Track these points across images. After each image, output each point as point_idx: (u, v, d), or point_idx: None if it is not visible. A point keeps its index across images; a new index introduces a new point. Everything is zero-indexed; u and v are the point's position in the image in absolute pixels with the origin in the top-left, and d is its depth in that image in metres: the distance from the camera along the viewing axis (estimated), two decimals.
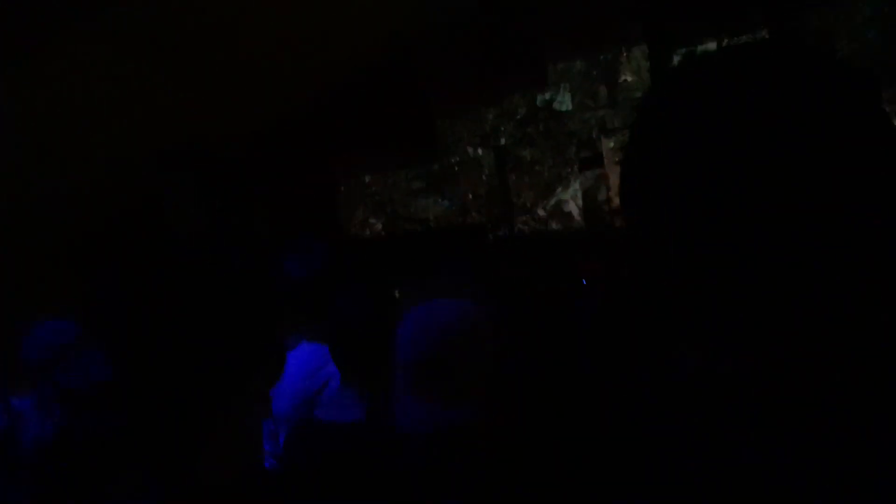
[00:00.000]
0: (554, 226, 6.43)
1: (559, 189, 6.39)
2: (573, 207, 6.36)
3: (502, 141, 6.54)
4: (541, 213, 6.43)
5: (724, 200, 0.69)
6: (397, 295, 5.64)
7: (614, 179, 6.15)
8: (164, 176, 5.16)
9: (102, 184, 5.01)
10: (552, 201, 6.41)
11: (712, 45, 5.85)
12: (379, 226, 6.65)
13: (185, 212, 5.21)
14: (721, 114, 0.71)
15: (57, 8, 4.46)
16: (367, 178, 6.52)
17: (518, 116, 6.49)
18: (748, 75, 0.73)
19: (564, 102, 6.39)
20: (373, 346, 2.56)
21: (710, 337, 0.75)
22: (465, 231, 6.43)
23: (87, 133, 4.82)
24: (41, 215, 4.77)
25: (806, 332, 0.71)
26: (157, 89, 4.91)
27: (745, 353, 0.74)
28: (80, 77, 4.67)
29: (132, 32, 4.60)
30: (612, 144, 6.25)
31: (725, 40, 5.81)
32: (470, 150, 6.59)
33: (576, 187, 6.38)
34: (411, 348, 2.02)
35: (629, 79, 6.21)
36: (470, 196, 6.57)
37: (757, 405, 0.75)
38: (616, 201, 6.09)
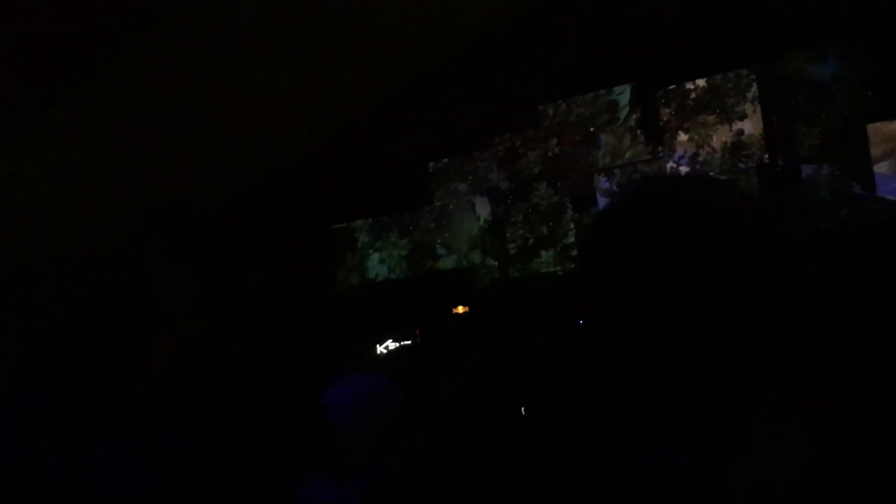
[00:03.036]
0: (553, 270, 6.37)
1: (560, 233, 6.34)
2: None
3: (496, 183, 6.53)
4: (539, 258, 6.38)
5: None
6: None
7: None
8: (147, 238, 5.13)
9: (85, 248, 5.02)
10: (557, 248, 6.35)
11: (700, 83, 5.83)
12: (370, 274, 6.63)
13: (168, 274, 5.18)
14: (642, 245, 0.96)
15: (39, 74, 4.49)
16: (358, 225, 6.49)
17: (510, 159, 6.47)
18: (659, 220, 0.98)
19: (556, 145, 6.38)
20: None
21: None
22: (459, 277, 6.39)
23: (70, 197, 4.84)
24: (23, 280, 4.77)
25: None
26: (140, 152, 4.93)
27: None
28: (64, 142, 4.70)
29: (116, 97, 4.64)
30: (605, 184, 6.22)
31: (711, 77, 5.81)
32: (463, 193, 6.57)
33: (571, 229, 6.34)
34: (331, 425, 2.07)
35: (617, 119, 6.19)
36: (465, 241, 6.53)
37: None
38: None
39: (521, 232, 6.40)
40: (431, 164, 6.52)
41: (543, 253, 6.35)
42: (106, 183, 4.94)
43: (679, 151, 6.00)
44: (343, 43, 5.03)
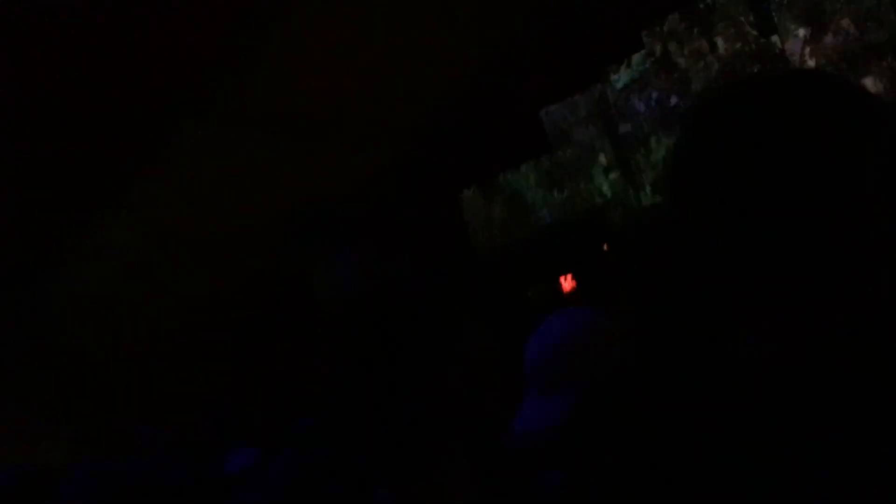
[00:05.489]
0: None
1: None
2: None
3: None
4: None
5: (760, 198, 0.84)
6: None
7: None
8: (299, 240, 5.11)
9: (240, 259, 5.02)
10: None
11: None
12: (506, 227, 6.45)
13: (327, 272, 5.15)
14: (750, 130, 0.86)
15: (178, 97, 4.45)
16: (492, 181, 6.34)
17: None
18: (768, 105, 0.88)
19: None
20: None
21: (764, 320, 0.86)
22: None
23: (221, 212, 4.83)
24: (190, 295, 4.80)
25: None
26: (272, 159, 4.87)
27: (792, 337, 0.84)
28: (203, 158, 4.70)
29: (241, 109, 4.58)
30: None
31: None
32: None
33: None
34: (539, 357, 2.04)
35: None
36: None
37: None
38: None
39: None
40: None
41: None
42: (252, 193, 4.92)
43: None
44: None
